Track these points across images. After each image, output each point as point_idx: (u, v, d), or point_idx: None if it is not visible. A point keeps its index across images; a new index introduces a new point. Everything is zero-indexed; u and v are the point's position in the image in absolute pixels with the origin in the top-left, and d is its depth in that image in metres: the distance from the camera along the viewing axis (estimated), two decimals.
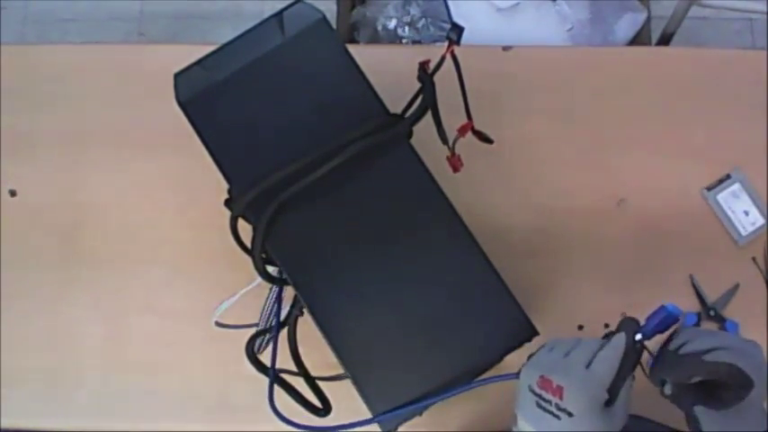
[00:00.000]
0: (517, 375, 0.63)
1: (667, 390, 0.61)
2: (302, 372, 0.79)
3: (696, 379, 0.59)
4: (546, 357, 0.62)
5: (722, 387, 0.59)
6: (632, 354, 0.60)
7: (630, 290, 0.93)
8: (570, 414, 0.57)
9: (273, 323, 0.79)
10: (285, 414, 0.70)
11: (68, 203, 0.98)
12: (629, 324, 0.61)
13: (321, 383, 0.79)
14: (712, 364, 0.58)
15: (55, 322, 0.94)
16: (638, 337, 0.60)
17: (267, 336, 0.82)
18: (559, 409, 0.57)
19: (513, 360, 0.71)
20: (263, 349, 0.84)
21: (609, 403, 0.58)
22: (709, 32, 1.73)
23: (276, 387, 0.75)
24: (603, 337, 0.63)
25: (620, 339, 0.60)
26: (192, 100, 0.74)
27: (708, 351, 0.59)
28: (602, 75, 1.01)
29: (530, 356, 0.65)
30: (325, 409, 0.77)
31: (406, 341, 0.70)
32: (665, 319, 0.61)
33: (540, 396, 0.59)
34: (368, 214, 0.72)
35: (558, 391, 0.58)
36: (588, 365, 0.59)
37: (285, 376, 0.77)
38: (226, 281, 0.84)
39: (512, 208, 0.95)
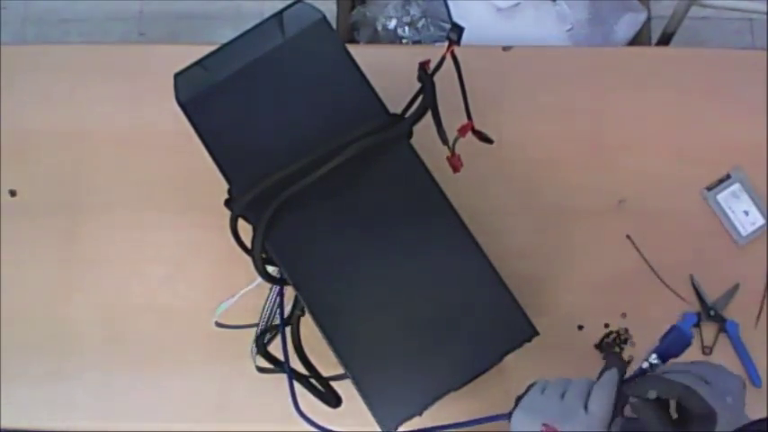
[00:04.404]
0: (508, 417, 0.64)
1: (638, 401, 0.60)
2: (312, 371, 0.79)
3: (653, 394, 0.58)
4: (541, 401, 0.62)
5: (690, 418, 0.58)
6: (621, 395, 0.61)
7: (630, 290, 0.93)
8: None
9: (278, 321, 0.79)
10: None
11: (68, 203, 0.98)
12: (615, 360, 0.62)
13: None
14: (667, 381, 0.57)
15: (55, 322, 0.94)
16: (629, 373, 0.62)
17: (269, 335, 0.82)
18: None
19: (513, 360, 0.71)
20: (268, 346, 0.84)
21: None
22: (710, 32, 1.73)
23: (278, 383, 0.75)
24: (604, 358, 0.64)
25: (612, 375, 0.61)
26: (192, 100, 0.74)
27: (674, 372, 0.59)
28: (602, 75, 1.01)
29: (518, 398, 0.65)
30: (336, 400, 0.77)
31: (407, 341, 0.70)
32: (677, 340, 0.62)
33: None
34: (368, 214, 0.72)
35: None
36: (585, 407, 0.59)
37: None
38: (226, 281, 0.84)
39: (512, 208, 0.95)
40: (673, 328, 0.63)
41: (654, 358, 0.63)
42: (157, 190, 0.98)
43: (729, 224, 0.95)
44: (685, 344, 0.63)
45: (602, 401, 0.59)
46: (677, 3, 1.19)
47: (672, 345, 0.63)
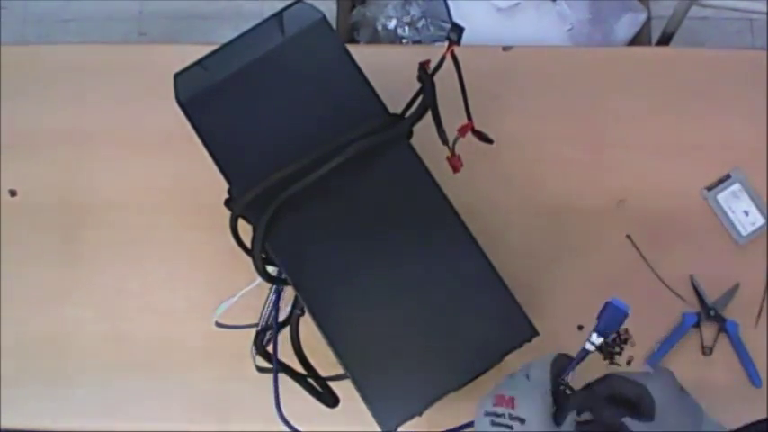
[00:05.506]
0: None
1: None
2: (310, 371, 0.79)
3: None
4: (496, 384, 0.67)
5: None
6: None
7: (630, 290, 0.93)
8: (522, 420, 0.61)
9: (273, 322, 0.79)
10: (286, 414, 0.70)
11: (68, 203, 0.98)
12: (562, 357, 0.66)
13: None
14: (610, 380, 0.63)
15: (55, 322, 0.94)
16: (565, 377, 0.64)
17: (268, 334, 0.82)
18: (512, 418, 0.62)
19: (514, 360, 0.71)
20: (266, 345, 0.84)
21: (558, 423, 0.62)
22: (710, 32, 1.73)
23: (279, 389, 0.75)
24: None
25: (551, 354, 0.65)
26: (192, 100, 0.74)
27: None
28: (602, 75, 1.01)
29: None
30: (333, 400, 0.77)
31: (407, 341, 0.70)
32: (613, 315, 0.64)
33: (494, 414, 0.63)
34: (368, 214, 0.72)
35: (511, 402, 0.63)
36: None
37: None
38: (226, 281, 0.84)
39: (511, 208, 0.95)
40: (606, 305, 0.65)
41: (595, 338, 0.64)
42: (157, 190, 0.98)
43: (729, 224, 0.95)
44: (622, 316, 0.65)
45: (538, 368, 0.64)
46: (677, 3, 1.19)
47: (609, 321, 0.65)
